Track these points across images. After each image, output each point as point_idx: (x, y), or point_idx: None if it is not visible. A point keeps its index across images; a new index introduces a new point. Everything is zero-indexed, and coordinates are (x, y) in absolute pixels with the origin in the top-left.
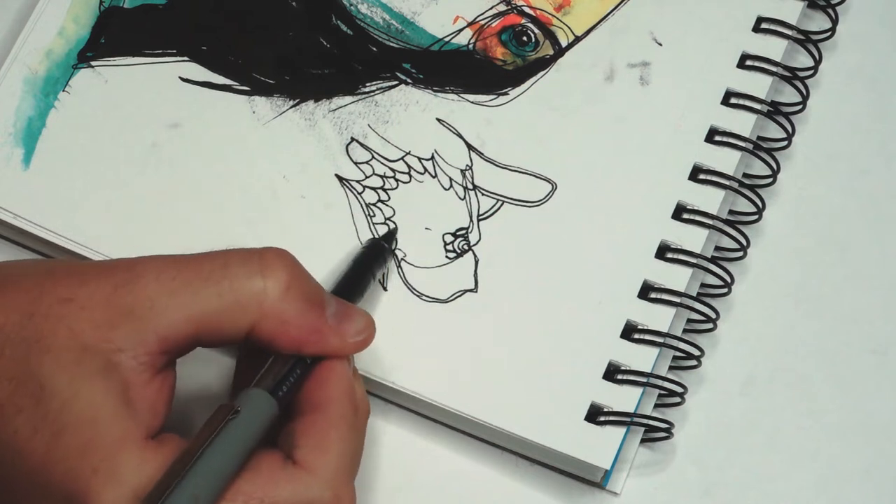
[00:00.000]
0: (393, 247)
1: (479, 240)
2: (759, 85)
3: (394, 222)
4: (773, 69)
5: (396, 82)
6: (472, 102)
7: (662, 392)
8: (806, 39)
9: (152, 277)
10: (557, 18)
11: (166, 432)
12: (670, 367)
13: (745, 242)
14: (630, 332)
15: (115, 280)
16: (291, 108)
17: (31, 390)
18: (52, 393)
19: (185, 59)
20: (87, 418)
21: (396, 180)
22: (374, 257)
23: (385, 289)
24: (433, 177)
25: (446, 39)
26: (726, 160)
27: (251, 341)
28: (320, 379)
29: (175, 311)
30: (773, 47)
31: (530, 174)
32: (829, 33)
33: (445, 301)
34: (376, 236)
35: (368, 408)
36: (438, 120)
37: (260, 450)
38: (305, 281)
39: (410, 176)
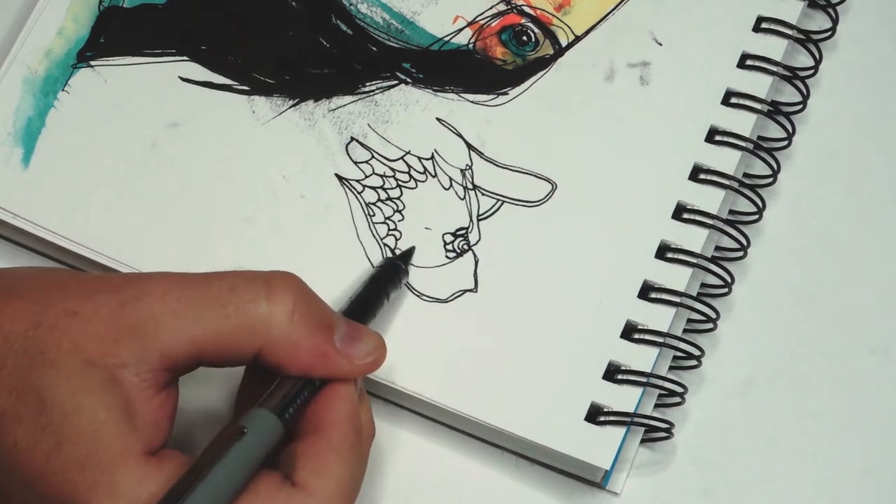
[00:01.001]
0: (408, 267)
1: (479, 240)
2: (759, 85)
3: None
4: (774, 69)
5: (396, 82)
6: (472, 102)
7: (662, 392)
8: (806, 39)
9: (158, 296)
10: (557, 18)
11: (168, 449)
12: (670, 367)
13: (745, 242)
14: (630, 332)
15: (121, 297)
16: (291, 107)
17: (31, 402)
18: (52, 406)
19: (185, 58)
20: (87, 432)
21: (396, 180)
22: (389, 277)
23: None
24: (433, 176)
25: (446, 39)
26: (726, 160)
27: (259, 363)
28: (324, 401)
29: (179, 331)
30: (774, 47)
31: (530, 174)
32: (829, 33)
33: (445, 301)
34: (393, 255)
35: (373, 431)
36: (438, 120)
37: (259, 471)
38: (312, 304)
39: (410, 175)
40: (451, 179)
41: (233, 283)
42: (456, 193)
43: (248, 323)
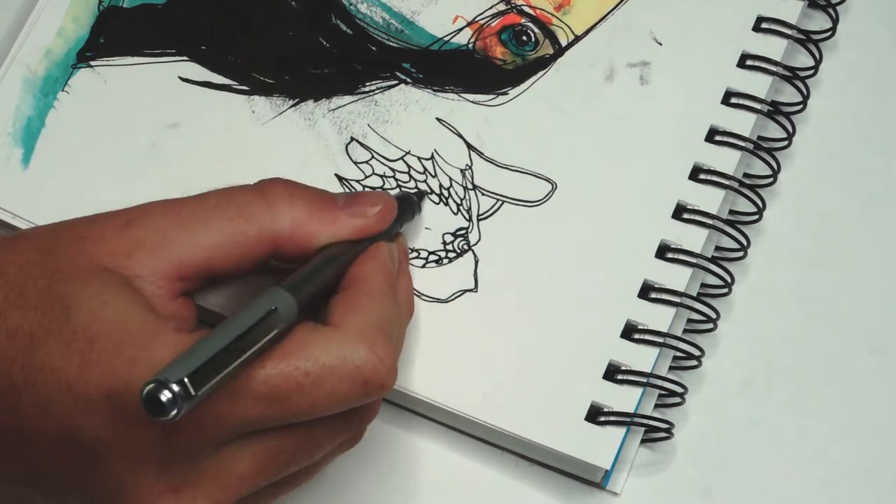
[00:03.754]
0: (422, 203)
1: (479, 240)
2: (759, 84)
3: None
4: (774, 69)
5: (396, 82)
6: (472, 102)
7: (662, 392)
8: (806, 39)
9: (160, 213)
10: (557, 18)
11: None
12: (670, 367)
13: (745, 242)
14: (630, 332)
15: (126, 217)
16: (291, 107)
17: (57, 312)
18: (78, 308)
19: (185, 58)
20: (118, 321)
21: (396, 180)
22: (403, 209)
23: None
24: (433, 176)
25: (446, 39)
26: (726, 160)
27: (280, 263)
28: (358, 262)
29: (187, 240)
30: (774, 47)
31: (530, 174)
32: (829, 33)
33: (445, 301)
34: (407, 190)
35: (412, 309)
36: (438, 119)
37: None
38: (306, 188)
39: (410, 175)
40: (451, 179)
41: (228, 193)
42: (456, 193)
43: (251, 222)
